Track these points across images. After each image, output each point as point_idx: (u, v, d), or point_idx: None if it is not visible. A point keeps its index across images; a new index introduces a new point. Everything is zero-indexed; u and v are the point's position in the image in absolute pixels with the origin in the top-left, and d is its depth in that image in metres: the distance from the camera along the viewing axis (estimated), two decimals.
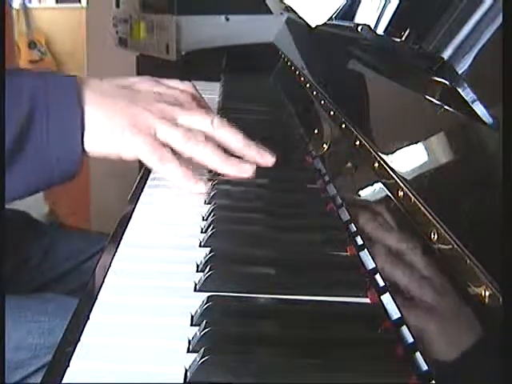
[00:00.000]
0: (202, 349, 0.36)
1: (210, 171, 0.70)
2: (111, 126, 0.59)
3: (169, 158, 0.59)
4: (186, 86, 0.70)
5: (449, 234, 0.37)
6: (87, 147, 0.59)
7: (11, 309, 0.64)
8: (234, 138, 0.64)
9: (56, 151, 0.57)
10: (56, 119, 0.57)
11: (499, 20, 0.39)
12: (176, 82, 0.69)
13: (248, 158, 0.64)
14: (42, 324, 0.64)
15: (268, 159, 0.65)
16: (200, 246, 0.52)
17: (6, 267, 0.73)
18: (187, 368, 0.36)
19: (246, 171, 0.62)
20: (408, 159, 0.48)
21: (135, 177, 0.70)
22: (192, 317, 0.41)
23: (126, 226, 0.55)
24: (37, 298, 0.71)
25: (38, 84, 0.58)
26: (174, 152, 0.60)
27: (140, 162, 0.61)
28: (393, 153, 0.50)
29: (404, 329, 0.39)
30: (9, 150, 0.54)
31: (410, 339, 0.38)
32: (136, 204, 0.61)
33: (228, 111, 0.99)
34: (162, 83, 0.67)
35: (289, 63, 1.14)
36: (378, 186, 0.51)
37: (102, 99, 0.60)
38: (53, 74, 0.61)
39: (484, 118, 0.38)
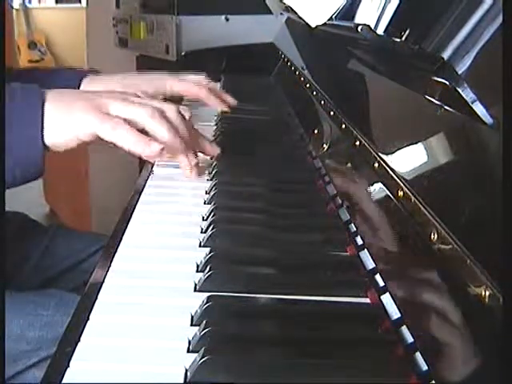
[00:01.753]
0: (202, 349, 0.36)
1: (210, 171, 0.70)
2: (69, 113, 0.60)
3: (120, 124, 0.59)
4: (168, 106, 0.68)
5: (449, 234, 0.37)
6: (48, 140, 0.59)
7: (13, 302, 0.64)
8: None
9: (16, 150, 0.58)
10: (17, 120, 0.58)
11: (499, 20, 0.39)
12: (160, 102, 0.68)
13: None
14: (43, 317, 0.65)
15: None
16: (200, 246, 0.52)
17: (5, 267, 0.73)
18: (187, 368, 0.36)
19: (153, 149, 0.59)
20: (408, 159, 0.48)
21: (135, 177, 0.70)
22: (192, 317, 0.41)
23: (126, 226, 0.55)
24: (38, 292, 0.71)
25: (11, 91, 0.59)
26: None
27: (140, 162, 0.61)
28: (393, 153, 0.50)
29: (404, 329, 0.39)
30: None
31: (410, 339, 0.38)
32: (136, 204, 0.61)
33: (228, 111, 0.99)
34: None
35: (289, 63, 1.14)
36: (378, 186, 0.51)
37: (61, 96, 0.62)
38: (21, 85, 0.62)
39: (484, 118, 0.38)
